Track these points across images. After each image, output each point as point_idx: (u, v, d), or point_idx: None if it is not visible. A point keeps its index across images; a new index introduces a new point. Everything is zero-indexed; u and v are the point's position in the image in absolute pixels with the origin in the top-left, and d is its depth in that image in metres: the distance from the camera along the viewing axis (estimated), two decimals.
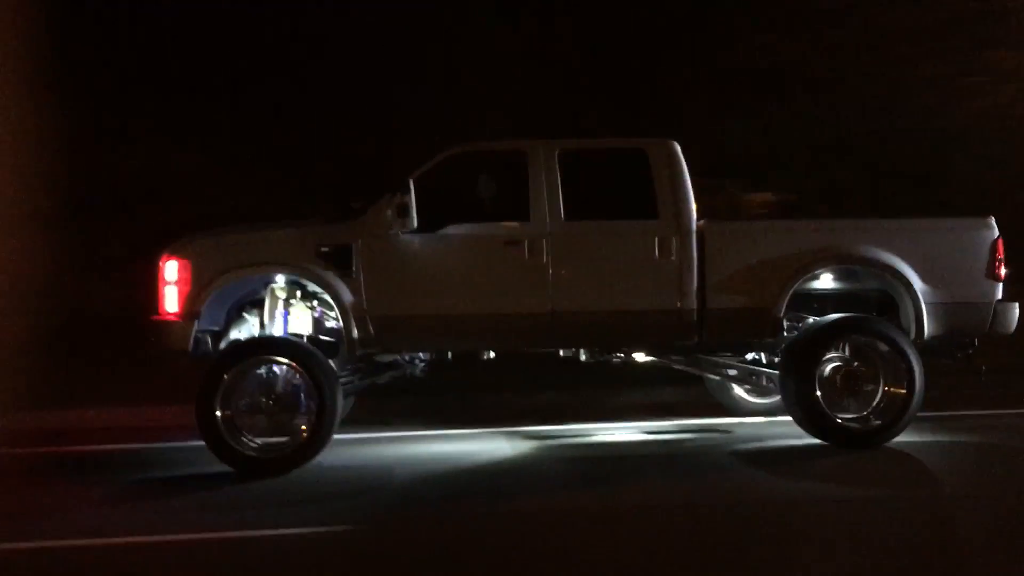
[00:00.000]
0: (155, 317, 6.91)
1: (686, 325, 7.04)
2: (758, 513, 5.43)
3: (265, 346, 6.73)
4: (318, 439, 6.56)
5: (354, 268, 6.84)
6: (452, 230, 6.95)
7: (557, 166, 7.06)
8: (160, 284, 6.89)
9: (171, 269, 6.85)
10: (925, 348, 7.16)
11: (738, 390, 8.45)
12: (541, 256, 6.93)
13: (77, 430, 8.45)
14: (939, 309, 7.15)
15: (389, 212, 6.72)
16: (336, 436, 6.87)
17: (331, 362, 6.85)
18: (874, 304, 7.55)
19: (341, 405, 6.76)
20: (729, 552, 4.75)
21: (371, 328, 6.87)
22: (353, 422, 8.00)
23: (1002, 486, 6.06)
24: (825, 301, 7.59)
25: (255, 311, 7.19)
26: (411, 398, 10.07)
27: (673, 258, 7.01)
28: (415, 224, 6.71)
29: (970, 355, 7.42)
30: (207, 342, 7.03)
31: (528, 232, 6.96)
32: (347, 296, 6.85)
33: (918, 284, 7.13)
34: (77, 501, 6.04)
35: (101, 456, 7.64)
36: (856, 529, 5.07)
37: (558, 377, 9.50)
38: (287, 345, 6.71)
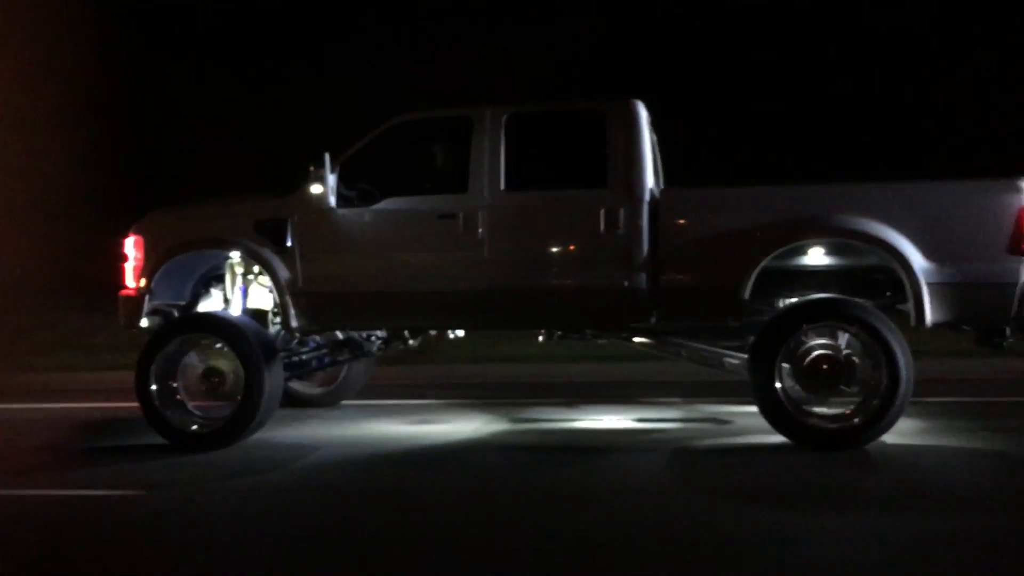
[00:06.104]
0: (120, 292, 7.13)
1: (636, 305, 6.33)
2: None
3: (190, 325, 6.76)
4: (242, 418, 6.49)
5: (289, 244, 6.70)
6: (387, 204, 6.63)
7: (503, 132, 6.53)
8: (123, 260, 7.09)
9: (128, 245, 7.03)
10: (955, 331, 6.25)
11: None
12: (476, 230, 6.47)
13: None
14: (946, 290, 5.99)
15: (311, 188, 6.49)
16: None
17: (272, 339, 6.80)
18: (886, 283, 6.46)
19: (276, 383, 6.64)
20: None
21: (307, 306, 6.71)
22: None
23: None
24: (824, 279, 6.55)
25: (221, 285, 7.25)
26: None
27: (621, 231, 6.32)
28: (332, 201, 6.46)
29: (1007, 341, 6.22)
30: (173, 315, 7.16)
31: (463, 204, 6.51)
32: (283, 273, 6.72)
33: (918, 261, 6.00)
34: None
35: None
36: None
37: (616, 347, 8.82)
38: (212, 322, 6.69)
